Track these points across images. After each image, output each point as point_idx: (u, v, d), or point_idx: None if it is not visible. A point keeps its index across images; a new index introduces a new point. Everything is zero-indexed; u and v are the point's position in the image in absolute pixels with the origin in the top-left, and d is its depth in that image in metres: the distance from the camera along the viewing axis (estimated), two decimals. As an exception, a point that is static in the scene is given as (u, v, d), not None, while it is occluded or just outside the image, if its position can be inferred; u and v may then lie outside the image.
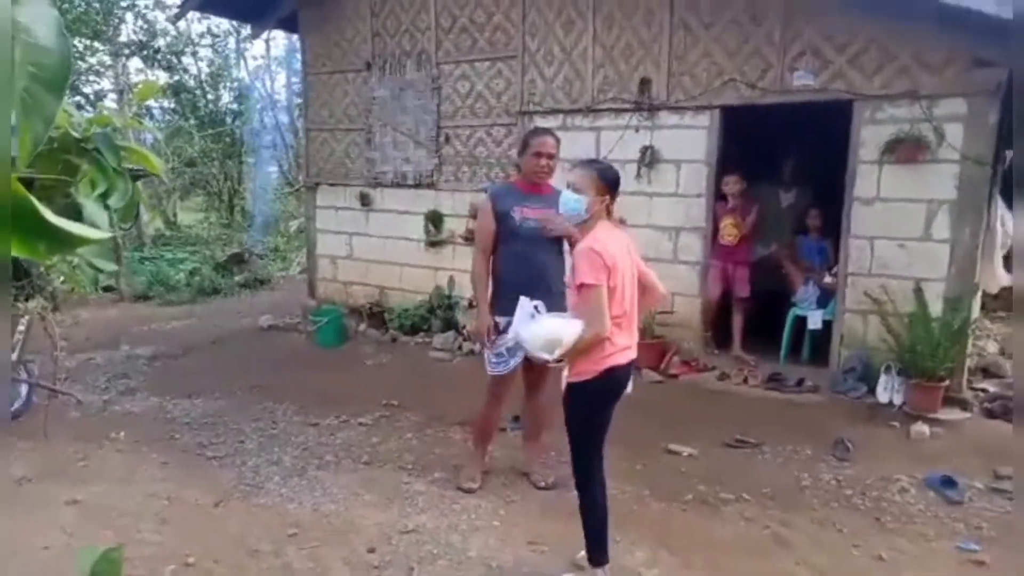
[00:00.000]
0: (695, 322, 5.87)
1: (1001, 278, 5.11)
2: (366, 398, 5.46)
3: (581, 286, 2.71)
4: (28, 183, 1.14)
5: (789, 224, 6.20)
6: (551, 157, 3.63)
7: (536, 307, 2.96)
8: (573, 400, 2.89)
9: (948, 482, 3.80)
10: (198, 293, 10.00)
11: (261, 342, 7.33)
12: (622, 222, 2.99)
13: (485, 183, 6.82)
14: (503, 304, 3.62)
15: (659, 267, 5.27)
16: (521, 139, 3.75)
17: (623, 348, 2.83)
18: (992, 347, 5.95)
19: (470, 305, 6.84)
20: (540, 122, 6.42)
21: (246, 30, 15.10)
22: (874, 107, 4.98)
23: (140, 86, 13.39)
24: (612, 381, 2.83)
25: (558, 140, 3.74)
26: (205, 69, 16.45)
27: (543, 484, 3.95)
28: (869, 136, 5.02)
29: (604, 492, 2.97)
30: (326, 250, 8.14)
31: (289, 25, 8.48)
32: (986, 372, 5.40)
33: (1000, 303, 7.28)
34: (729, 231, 5.77)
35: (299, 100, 20.66)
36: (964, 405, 4.72)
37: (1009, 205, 5.81)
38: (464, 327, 6.73)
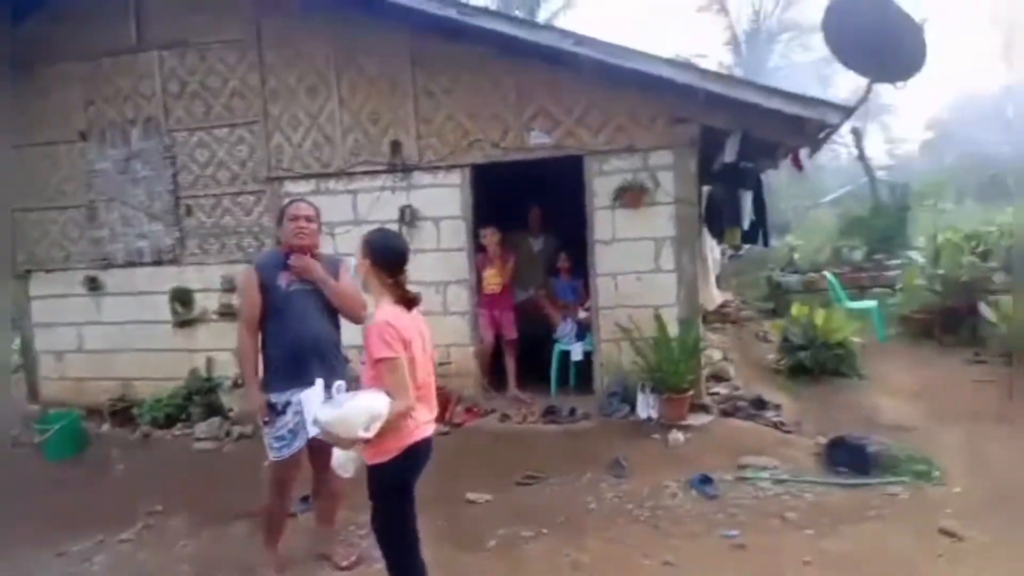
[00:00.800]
0: (471, 369, 6.07)
1: (716, 296, 6.05)
2: (123, 510, 4.76)
3: (379, 360, 2.61)
4: None
5: (542, 267, 6.73)
6: (309, 219, 3.54)
7: (337, 387, 2.76)
8: (377, 482, 2.75)
9: (705, 480, 4.37)
10: None
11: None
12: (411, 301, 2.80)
13: (237, 254, 6.46)
14: (277, 381, 3.46)
15: (431, 320, 5.36)
16: (278, 212, 3.63)
17: (424, 423, 2.77)
18: (717, 355, 6.97)
19: (235, 385, 6.34)
20: (292, 187, 6.29)
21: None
22: (601, 160, 5.67)
23: None
24: (416, 457, 2.75)
25: (315, 206, 3.67)
26: None
27: (346, 564, 3.77)
28: (600, 185, 5.68)
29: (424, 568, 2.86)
30: (48, 345, 7.01)
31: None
32: (716, 378, 6.31)
33: (716, 316, 8.59)
34: (492, 280, 6.10)
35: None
36: (706, 409, 5.46)
37: (712, 234, 6.94)
38: (231, 410, 6.21)
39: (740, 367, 6.83)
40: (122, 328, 6.75)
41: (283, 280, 3.48)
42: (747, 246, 9.28)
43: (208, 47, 6.35)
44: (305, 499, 4.59)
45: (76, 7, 6.55)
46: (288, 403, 3.43)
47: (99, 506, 4.90)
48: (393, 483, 2.75)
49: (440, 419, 5.68)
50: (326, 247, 5.58)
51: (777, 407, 5.56)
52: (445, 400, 5.86)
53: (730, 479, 4.47)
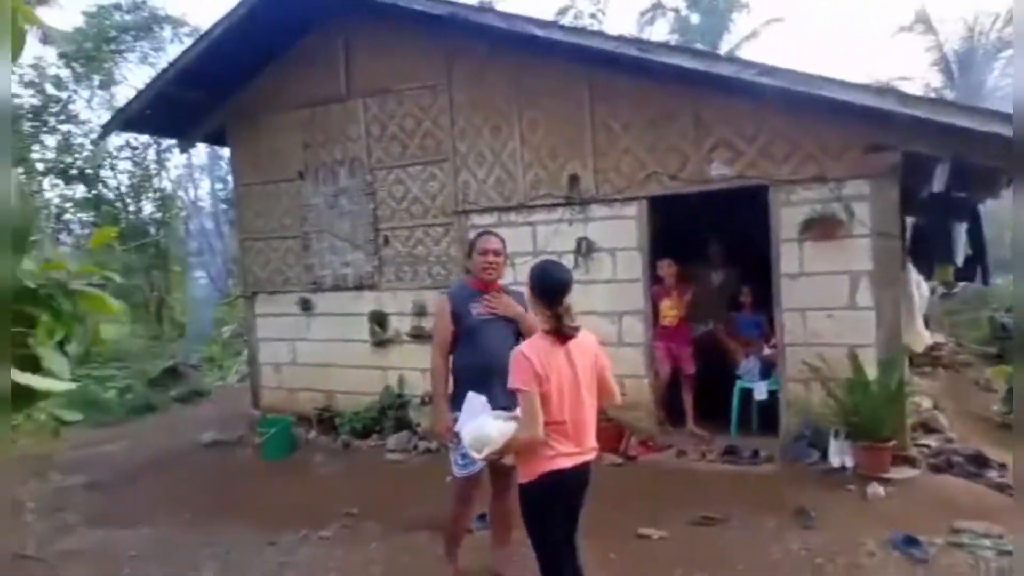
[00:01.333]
0: (646, 402, 5.99)
1: (924, 337, 5.47)
2: (324, 509, 5.27)
3: (513, 390, 2.77)
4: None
5: (722, 302, 6.51)
6: (497, 254, 3.72)
7: (485, 404, 3.08)
8: (521, 501, 2.97)
9: (911, 541, 3.94)
10: (131, 412, 9.50)
11: (205, 460, 6.99)
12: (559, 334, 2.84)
13: (427, 280, 6.94)
14: (463, 401, 3.62)
15: (606, 351, 5.42)
16: (468, 243, 3.85)
17: (565, 454, 2.81)
18: (927, 403, 6.28)
19: (423, 402, 6.78)
20: (476, 220, 6.65)
21: (167, 141, 15.11)
22: (787, 191, 5.40)
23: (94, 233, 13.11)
24: (553, 485, 2.81)
25: (502, 239, 3.85)
26: (125, 181, 16.22)
27: None
28: (787, 217, 5.41)
29: None
30: (268, 358, 7.96)
31: (216, 139, 8.57)
32: (925, 427, 5.69)
33: (926, 359, 7.75)
34: (668, 312, 6.01)
35: (225, 207, 20.57)
36: (912, 462, 4.93)
37: (920, 270, 6.32)
38: (419, 425, 6.64)
39: (954, 417, 6.10)
40: (328, 345, 7.50)
41: (474, 310, 3.69)
42: (962, 284, 8.31)
43: (405, 92, 6.95)
44: (482, 516, 4.79)
45: (296, 63, 7.48)
46: None
47: (305, 503, 5.45)
48: (530, 505, 2.90)
49: (614, 450, 5.72)
50: (507, 277, 5.86)
51: (1002, 466, 4.89)
52: (619, 432, 5.86)
53: (941, 543, 3.99)
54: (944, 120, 4.60)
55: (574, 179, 6.17)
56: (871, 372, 4.99)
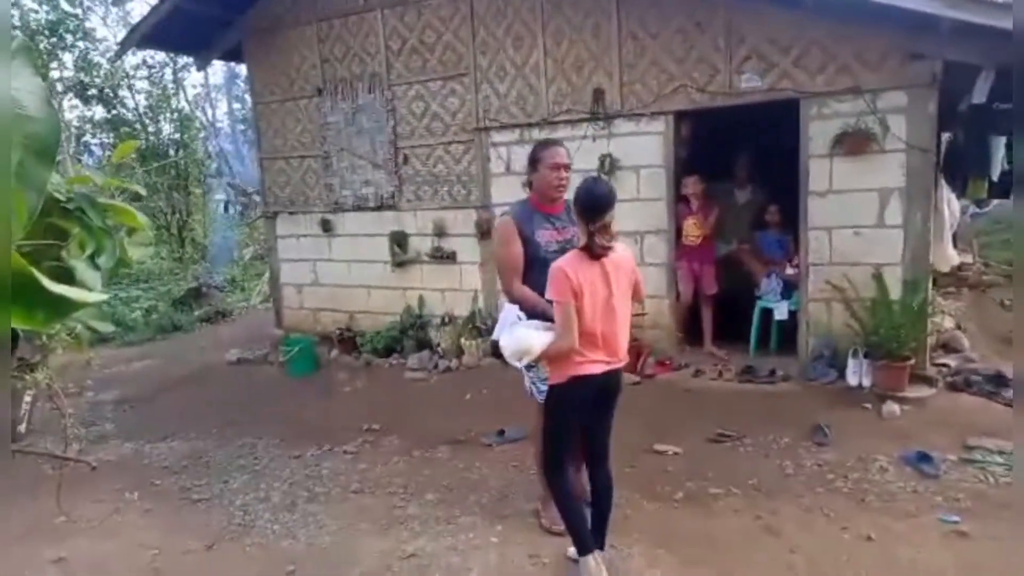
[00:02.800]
0: (666, 322, 6.00)
1: (951, 257, 5.35)
2: (347, 425, 5.43)
3: (550, 301, 2.92)
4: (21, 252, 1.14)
5: (746, 221, 6.39)
6: (568, 168, 3.34)
7: (518, 316, 3.15)
8: (547, 400, 3.17)
9: (923, 457, 3.97)
10: (157, 331, 9.76)
11: (231, 377, 7.20)
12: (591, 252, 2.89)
13: (447, 200, 6.88)
14: None
15: (627, 271, 5.41)
16: (529, 155, 3.43)
17: (593, 360, 2.97)
18: (949, 323, 6.20)
19: (442, 323, 6.86)
20: (497, 137, 6.52)
21: (184, 59, 14.86)
22: (820, 104, 5.18)
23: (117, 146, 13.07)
24: (579, 387, 2.99)
25: (568, 151, 3.44)
26: (143, 101, 16.09)
27: (556, 529, 3.57)
28: (817, 131, 5.22)
29: (570, 486, 3.22)
30: (290, 278, 8.05)
31: (233, 56, 8.40)
32: (946, 348, 5.63)
33: (951, 279, 7.62)
34: (692, 231, 5.92)
35: (243, 127, 20.37)
36: (929, 381, 4.92)
37: (951, 186, 6.12)
38: (439, 345, 6.73)
39: (977, 338, 6.03)
40: (349, 266, 7.55)
41: (541, 237, 3.32)
42: (995, 202, 8.06)
43: (424, 3, 6.69)
44: (501, 432, 4.92)
45: (314, -26, 7.23)
46: None
47: (329, 419, 5.62)
48: (555, 403, 3.10)
49: (631, 369, 5.75)
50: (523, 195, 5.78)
51: (1021, 385, 4.85)
52: (637, 351, 5.89)
53: (954, 459, 4.02)
54: (992, 23, 4.32)
55: (599, 93, 5.97)
56: (895, 292, 4.92)
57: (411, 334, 6.96)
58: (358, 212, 7.41)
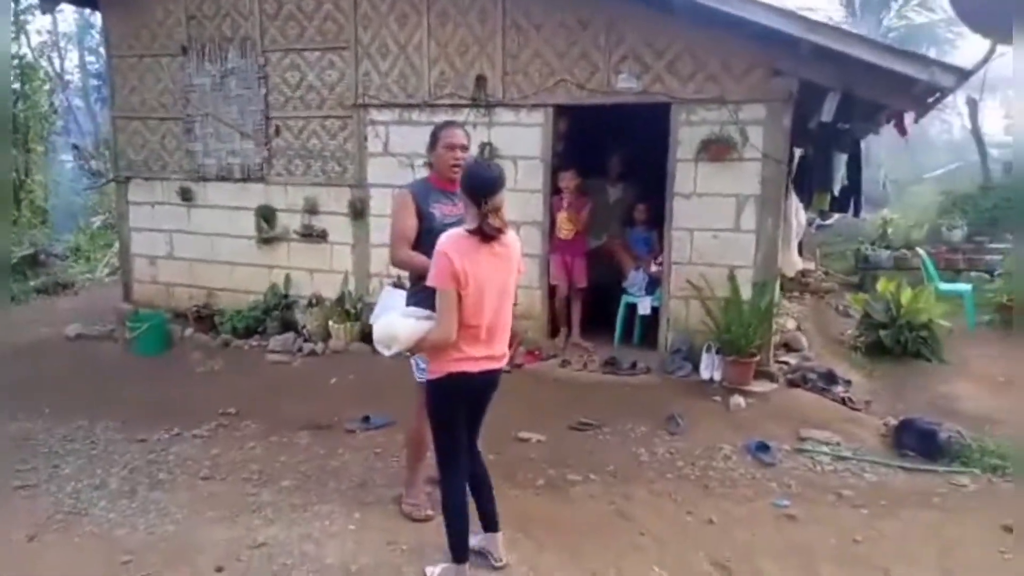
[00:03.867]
0: (537, 313, 6.10)
1: (796, 263, 5.80)
2: (199, 408, 5.11)
3: (431, 288, 2.75)
4: None
5: (618, 216, 6.61)
6: (464, 149, 3.39)
7: (400, 296, 3.04)
8: (428, 395, 2.98)
9: (762, 447, 4.29)
10: (-18, 301, 8.72)
11: (69, 354, 6.56)
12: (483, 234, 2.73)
13: (320, 177, 6.62)
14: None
15: (501, 261, 5.44)
16: (430, 134, 3.45)
17: (474, 357, 2.81)
18: (791, 324, 6.75)
19: (309, 304, 6.60)
20: (376, 115, 6.35)
21: (28, 1, 13.36)
22: (689, 110, 5.45)
23: None
24: (456, 386, 2.83)
25: (467, 133, 3.49)
26: (-25, 43, 14.30)
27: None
28: (685, 136, 5.48)
29: (463, 490, 3.00)
30: (142, 249, 7.45)
31: (87, 2, 7.64)
32: (787, 347, 6.12)
33: (795, 284, 8.29)
34: (565, 225, 6.04)
35: (96, 83, 18.64)
36: (772, 377, 5.32)
37: (800, 198, 6.64)
38: (304, 327, 6.47)
39: (814, 338, 6.60)
40: (210, 239, 7.09)
41: (436, 210, 3.35)
42: (837, 216, 8.85)
43: (305, -33, 6.38)
44: (366, 419, 4.81)
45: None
46: None
47: (179, 401, 5.26)
48: (435, 401, 2.91)
49: (502, 358, 5.82)
50: (407, 178, 5.67)
51: (848, 383, 5.37)
52: (508, 341, 5.95)
53: (788, 449, 4.38)
54: (844, 50, 4.72)
55: (481, 80, 5.95)
56: (746, 293, 5.27)
57: (275, 315, 6.65)
58: (222, 182, 6.97)
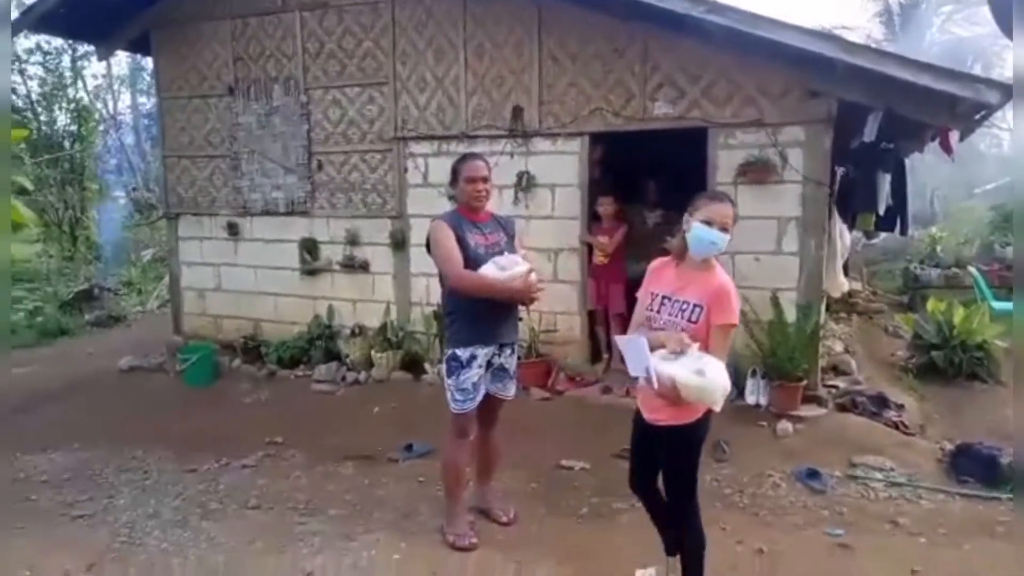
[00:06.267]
0: (577, 338, 6.09)
1: (842, 284, 5.69)
2: (247, 438, 5.21)
3: (729, 326, 2.69)
4: None
5: (657, 242, 6.57)
6: (485, 180, 3.48)
7: (690, 347, 2.62)
8: (690, 439, 2.82)
9: (812, 474, 4.19)
10: (42, 335, 9.08)
11: (123, 385, 6.77)
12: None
13: (361, 209, 6.76)
14: (464, 336, 3.44)
15: (542, 287, 5.45)
16: (450, 169, 3.56)
17: None
18: (839, 346, 6.60)
19: (352, 333, 6.71)
20: (415, 147, 6.48)
21: (84, 47, 14.03)
22: (727, 134, 5.43)
23: None
24: (710, 422, 2.82)
25: (488, 163, 3.59)
26: (36, 88, 15.05)
27: (506, 520, 3.79)
28: (724, 160, 5.46)
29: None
30: (192, 282, 7.68)
31: (139, 47, 7.98)
32: (836, 370, 5.97)
33: (842, 305, 8.11)
34: (598, 250, 6.05)
35: (147, 122, 19.35)
36: (820, 401, 5.19)
37: (844, 218, 6.53)
38: (347, 356, 6.57)
39: (863, 361, 6.43)
40: (255, 272, 7.28)
41: (471, 240, 3.42)
42: (883, 234, 8.67)
43: (346, 8, 6.58)
44: (408, 447, 4.84)
45: (230, -31, 6.99)
46: (473, 356, 3.43)
47: (227, 431, 5.37)
48: (695, 443, 2.83)
49: (543, 385, 5.82)
50: (445, 207, 5.75)
51: (900, 407, 5.21)
52: (548, 368, 5.96)
53: (840, 476, 4.26)
54: (882, 70, 4.66)
55: (518, 110, 6.04)
56: (791, 316, 5.18)
57: (319, 344, 6.76)
58: (267, 216, 7.17)
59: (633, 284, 6.18)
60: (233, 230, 7.32)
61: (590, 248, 6.05)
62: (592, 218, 6.06)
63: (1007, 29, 5.58)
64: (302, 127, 6.90)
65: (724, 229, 2.70)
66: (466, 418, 3.55)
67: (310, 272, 7.00)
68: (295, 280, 7.08)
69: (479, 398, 3.50)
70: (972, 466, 4.18)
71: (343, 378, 6.42)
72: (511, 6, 5.93)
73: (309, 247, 7.00)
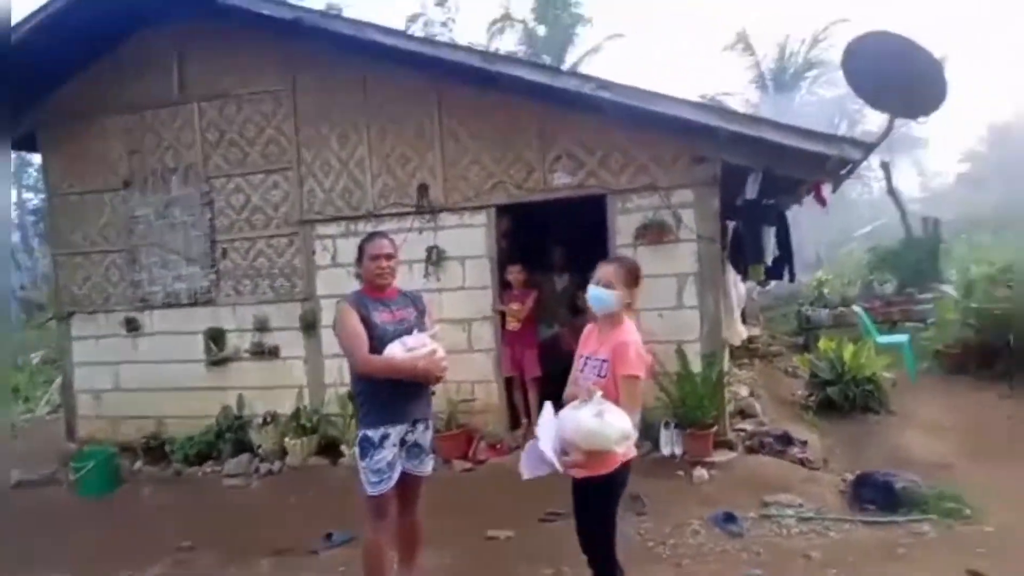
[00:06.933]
0: (495, 406, 6.12)
1: (741, 332, 6.02)
2: (153, 546, 4.89)
3: (631, 377, 2.79)
4: None
5: (565, 305, 6.79)
6: (389, 258, 3.49)
7: (596, 397, 2.75)
8: (604, 493, 2.89)
9: (729, 518, 4.33)
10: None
11: (8, 504, 6.21)
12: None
13: (269, 294, 6.67)
14: (375, 416, 3.39)
15: (456, 358, 5.45)
16: (357, 248, 3.59)
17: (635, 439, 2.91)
18: (744, 391, 6.92)
19: (264, 422, 6.49)
20: (322, 229, 6.51)
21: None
22: (624, 199, 5.75)
23: None
24: (627, 474, 2.90)
25: (392, 241, 3.60)
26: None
27: None
28: (622, 223, 5.76)
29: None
30: (87, 384, 7.26)
31: (24, 144, 7.72)
32: (743, 413, 6.25)
33: (744, 351, 8.53)
34: (512, 317, 6.18)
35: (34, 218, 18.46)
36: (731, 445, 5.41)
37: (737, 270, 6.96)
38: (259, 447, 6.33)
39: (767, 403, 6.76)
40: (157, 367, 6.96)
41: (379, 318, 3.40)
42: (774, 282, 9.26)
43: (245, 98, 6.66)
44: (328, 536, 4.67)
45: (122, 63, 6.95)
46: (386, 436, 3.38)
47: (129, 541, 5.03)
48: (612, 495, 2.90)
49: (464, 456, 5.79)
50: (355, 287, 5.75)
51: (804, 443, 5.49)
52: (468, 438, 5.94)
53: (754, 516, 4.42)
54: (756, 134, 5.13)
55: (423, 188, 6.20)
56: (696, 366, 5.43)
57: (229, 437, 6.49)
58: (169, 309, 6.95)
59: (544, 348, 6.38)
60: (132, 325, 7.04)
61: (503, 316, 6.18)
62: (503, 286, 6.21)
63: (861, 92, 6.27)
64: (204, 216, 6.81)
65: (608, 285, 2.93)
66: (383, 500, 3.46)
67: (217, 362, 6.78)
68: (201, 372, 6.83)
69: (395, 478, 3.45)
70: (872, 493, 4.44)
71: (256, 470, 6.17)
72: (410, 88, 6.17)
73: (215, 337, 6.80)
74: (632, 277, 2.97)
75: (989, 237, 14.49)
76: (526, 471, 2.87)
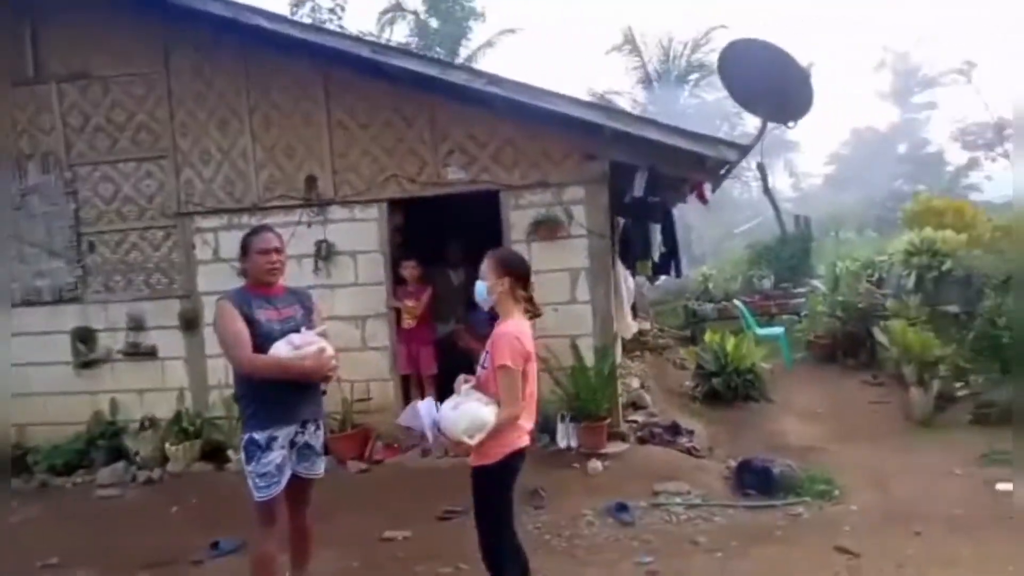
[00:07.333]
0: (391, 405, 6.00)
1: (632, 325, 6.21)
2: (14, 567, 4.46)
3: (500, 367, 2.79)
4: None
5: (462, 301, 6.75)
6: (279, 252, 3.35)
7: (467, 387, 2.92)
8: (483, 484, 2.93)
9: (621, 507, 4.45)
10: None
11: None
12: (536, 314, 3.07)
13: (144, 291, 6.24)
14: (262, 418, 3.22)
15: (349, 356, 5.35)
16: (240, 244, 3.40)
17: (528, 430, 2.97)
18: (635, 383, 7.14)
19: (141, 427, 6.09)
20: (203, 222, 6.16)
21: None
22: (517, 195, 5.78)
23: None
24: (514, 464, 2.92)
25: (279, 235, 3.44)
26: None
27: None
28: (516, 219, 5.79)
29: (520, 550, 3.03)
30: (-68, 392, 6.52)
31: None
32: (635, 405, 6.46)
33: (635, 344, 8.81)
34: (408, 314, 6.08)
35: None
36: (623, 437, 5.57)
37: (626, 265, 7.17)
38: (137, 453, 5.92)
39: (657, 394, 7.01)
40: (17, 371, 6.28)
41: (263, 316, 3.25)
42: (663, 277, 9.63)
43: (112, 80, 6.18)
44: (215, 545, 4.44)
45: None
46: (273, 438, 3.23)
47: (-14, 564, 4.57)
48: (493, 487, 2.91)
49: (360, 456, 5.66)
50: (239, 283, 5.47)
51: (691, 433, 5.74)
52: (364, 438, 5.81)
53: (645, 505, 4.57)
54: (641, 134, 5.29)
55: (311, 180, 5.98)
56: (590, 359, 5.54)
57: (101, 444, 6.03)
58: (29, 307, 6.35)
59: (441, 345, 6.33)
60: (-15, 326, 6.38)
61: (398, 313, 6.06)
62: (397, 282, 6.09)
63: (736, 96, 6.61)
64: (68, 206, 6.28)
65: (482, 278, 3.05)
66: (271, 504, 3.32)
67: (86, 364, 6.28)
68: (68, 375, 6.30)
69: (284, 481, 3.31)
70: (752, 479, 4.70)
71: (133, 478, 5.77)
72: (295, 75, 5.93)
73: (83, 337, 6.29)
74: (500, 265, 3.01)
75: (853, 234, 15.77)
76: (403, 420, 3.08)
